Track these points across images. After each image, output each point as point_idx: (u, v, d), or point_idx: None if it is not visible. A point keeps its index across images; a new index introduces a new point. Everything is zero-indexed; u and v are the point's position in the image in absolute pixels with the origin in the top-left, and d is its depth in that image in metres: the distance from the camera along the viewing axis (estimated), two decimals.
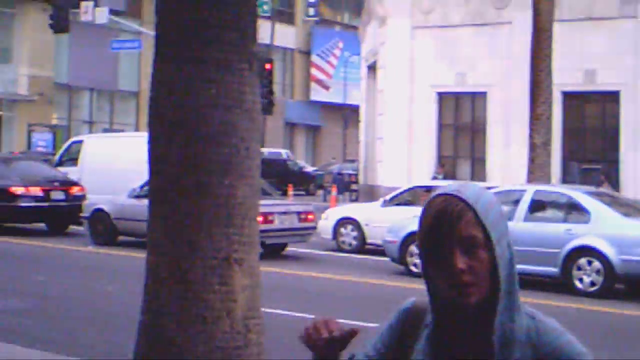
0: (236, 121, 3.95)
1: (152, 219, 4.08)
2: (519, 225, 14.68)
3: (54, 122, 47.80)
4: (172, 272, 3.96)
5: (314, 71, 63.70)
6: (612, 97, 27.61)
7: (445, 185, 2.11)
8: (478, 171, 29.69)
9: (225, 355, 3.97)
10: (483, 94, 29.69)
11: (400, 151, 30.89)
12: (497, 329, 2.03)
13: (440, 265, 2.02)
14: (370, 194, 31.24)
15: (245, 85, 4.00)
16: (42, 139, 43.09)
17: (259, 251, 4.18)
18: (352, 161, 48.51)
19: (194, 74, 3.95)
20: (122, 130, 44.11)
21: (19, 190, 20.74)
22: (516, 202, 15.26)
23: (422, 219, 2.06)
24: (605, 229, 14.21)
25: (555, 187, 17.31)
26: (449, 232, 2.01)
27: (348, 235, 20.11)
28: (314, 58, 63.71)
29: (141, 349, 4.09)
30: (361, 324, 11.00)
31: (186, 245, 3.92)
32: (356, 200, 35.05)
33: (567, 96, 27.87)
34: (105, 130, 45.65)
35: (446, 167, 29.89)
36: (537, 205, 15.41)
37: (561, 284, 14.53)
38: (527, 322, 2.08)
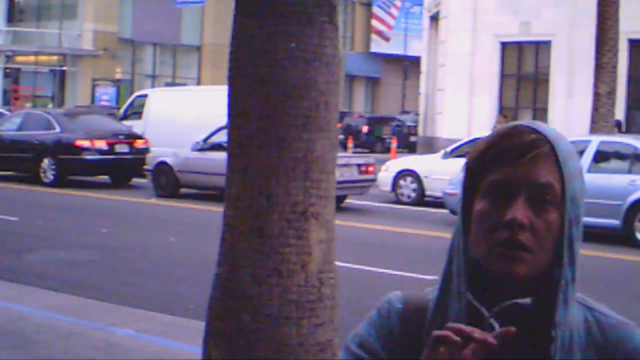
0: (316, 75, 3.95)
1: (231, 173, 4.11)
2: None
3: (118, 76, 48.33)
4: (250, 225, 4.00)
5: (374, 22, 63.24)
6: None
7: None
8: (540, 121, 29.31)
9: (299, 309, 4.01)
10: (547, 43, 29.24)
11: (461, 102, 30.64)
12: (559, 322, 1.49)
13: (486, 214, 1.48)
14: (429, 145, 31.09)
15: (325, 39, 3.99)
16: (105, 93, 43.61)
17: (335, 205, 4.21)
18: (408, 112, 48.23)
19: (275, 27, 3.95)
20: (185, 84, 44.48)
21: (84, 143, 21.05)
22: (580, 153, 15.09)
23: (479, 146, 1.53)
24: None
25: (621, 137, 17.05)
26: (516, 167, 1.47)
27: (407, 187, 20.09)
28: (375, 9, 63.21)
29: (216, 302, 4.14)
30: (422, 276, 11.02)
31: (264, 198, 3.96)
32: (414, 152, 34.91)
33: (634, 44, 27.31)
34: (168, 85, 46.07)
35: (508, 118, 29.59)
36: (601, 156, 15.22)
37: (622, 237, 14.38)
38: (582, 312, 1.56)
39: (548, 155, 1.48)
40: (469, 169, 1.53)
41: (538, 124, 1.54)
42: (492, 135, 1.52)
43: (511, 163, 1.47)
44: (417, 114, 40.42)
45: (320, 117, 4.00)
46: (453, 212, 16.40)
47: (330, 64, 4.06)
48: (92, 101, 42.68)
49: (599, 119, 19.32)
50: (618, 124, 26.99)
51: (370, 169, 18.94)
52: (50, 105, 45.08)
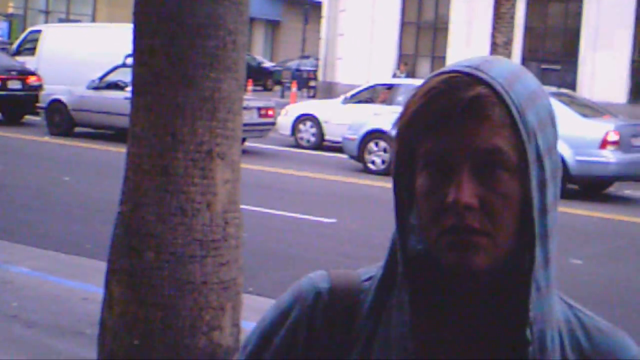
0: (224, 14, 3.91)
1: (135, 111, 4.06)
2: None
3: (10, 10, 46.74)
4: (154, 164, 3.97)
5: None
6: None
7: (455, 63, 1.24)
8: (437, 69, 29.71)
9: (203, 248, 4.02)
10: None
11: (362, 48, 30.76)
12: (534, 318, 1.19)
13: (428, 193, 1.18)
14: (329, 91, 31.18)
15: None
16: None
17: (240, 146, 4.20)
18: (307, 57, 48.15)
19: None
20: (79, 21, 43.35)
21: None
22: None
23: (408, 106, 1.20)
24: (563, 130, 14.37)
25: None
26: (453, 132, 1.15)
27: (307, 131, 20.15)
28: None
29: (119, 240, 4.12)
30: (320, 219, 11.09)
31: (170, 137, 3.93)
32: (314, 97, 34.97)
33: None
34: (61, 21, 44.82)
35: (408, 66, 29.87)
36: None
37: None
38: (563, 310, 1.27)
39: (493, 110, 1.14)
40: (400, 137, 1.20)
41: (482, 66, 1.18)
42: (422, 90, 1.18)
43: (447, 127, 1.15)
44: (317, 59, 40.41)
45: (228, 56, 3.98)
46: (352, 157, 16.55)
47: (239, 3, 4.04)
48: None
49: None
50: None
51: (270, 112, 18.91)
52: None
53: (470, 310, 1.23)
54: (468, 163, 1.15)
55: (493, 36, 19.73)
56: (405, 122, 1.19)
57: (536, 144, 1.16)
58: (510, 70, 1.19)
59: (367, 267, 1.33)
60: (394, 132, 1.22)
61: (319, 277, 1.30)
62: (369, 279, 1.29)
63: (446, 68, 1.21)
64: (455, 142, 1.15)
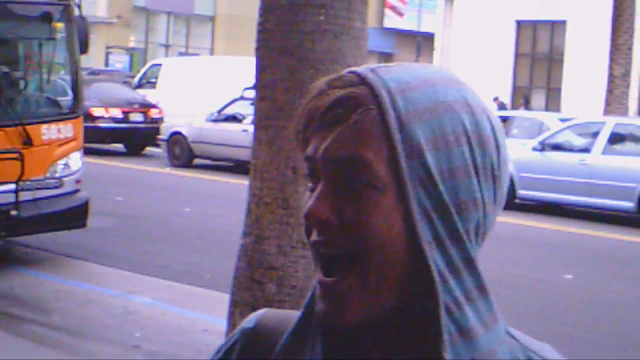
0: (343, 48, 3.97)
1: (257, 144, 4.15)
2: (597, 159, 14.56)
3: (131, 44, 48.27)
4: (275, 197, 4.04)
5: None
6: None
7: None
8: (553, 102, 29.26)
9: None
10: (562, 23, 29.10)
11: (475, 80, 30.54)
12: None
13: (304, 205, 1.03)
14: None
15: (353, 12, 4.01)
16: (119, 62, 43.60)
17: None
18: None
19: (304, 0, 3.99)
20: (198, 55, 44.38)
21: (98, 111, 21.08)
22: (595, 134, 15.07)
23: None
24: None
25: (637, 120, 17.00)
26: (317, 139, 1.00)
27: None
28: None
29: (241, 272, 4.19)
30: None
31: (290, 170, 4.00)
32: None
33: None
34: (181, 54, 46.00)
35: (498, 100, 29.18)
36: (616, 138, 15.18)
37: (636, 219, 14.39)
38: (509, 350, 1.03)
39: (366, 115, 0.97)
40: (296, 143, 1.05)
41: (383, 69, 1.01)
42: (310, 91, 1.03)
43: (316, 132, 1.00)
44: None
45: None
46: None
47: (358, 38, 4.09)
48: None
49: (613, 101, 19.26)
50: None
51: None
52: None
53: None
54: (329, 173, 0.98)
55: (610, 67, 19.35)
56: (292, 126, 1.05)
57: (423, 162, 0.96)
58: (422, 77, 1.00)
59: None
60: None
61: (252, 316, 1.17)
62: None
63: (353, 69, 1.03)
64: (317, 148, 0.99)
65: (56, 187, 8.74)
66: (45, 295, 7.80)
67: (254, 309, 4.08)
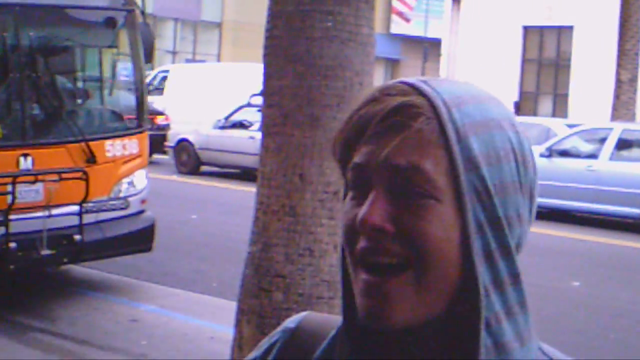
0: (351, 55, 3.96)
1: (264, 151, 4.13)
2: (605, 165, 14.51)
3: None
4: (283, 204, 4.02)
5: (395, 3, 62.98)
6: None
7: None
8: (560, 108, 29.22)
9: (331, 289, 4.03)
10: (570, 28, 29.07)
11: (481, 86, 30.50)
12: None
13: (347, 213, 1.03)
14: None
15: (361, 18, 4.00)
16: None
17: None
18: None
19: (311, 6, 3.96)
20: (205, 61, 44.48)
21: None
22: (602, 140, 15.02)
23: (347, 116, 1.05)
24: None
25: None
26: (372, 145, 0.99)
27: None
28: None
29: (248, 280, 4.17)
30: None
31: (298, 178, 3.98)
32: None
33: None
34: (188, 61, 46.10)
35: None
36: (623, 144, 15.13)
37: None
38: None
39: (424, 124, 0.96)
40: (335, 150, 1.04)
41: (434, 81, 1.02)
42: (361, 99, 1.03)
43: (370, 139, 0.99)
44: None
45: (354, 97, 4.01)
46: None
47: (365, 44, 4.07)
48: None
49: (621, 107, 19.21)
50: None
51: None
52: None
53: None
54: (385, 180, 0.97)
55: (618, 73, 19.30)
56: (338, 134, 1.03)
57: (479, 174, 0.97)
58: (470, 93, 1.02)
59: None
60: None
61: (295, 317, 1.18)
62: None
63: (390, 82, 1.03)
64: (373, 155, 0.98)
65: (122, 209, 8.08)
66: (51, 303, 7.78)
67: (260, 317, 4.06)
